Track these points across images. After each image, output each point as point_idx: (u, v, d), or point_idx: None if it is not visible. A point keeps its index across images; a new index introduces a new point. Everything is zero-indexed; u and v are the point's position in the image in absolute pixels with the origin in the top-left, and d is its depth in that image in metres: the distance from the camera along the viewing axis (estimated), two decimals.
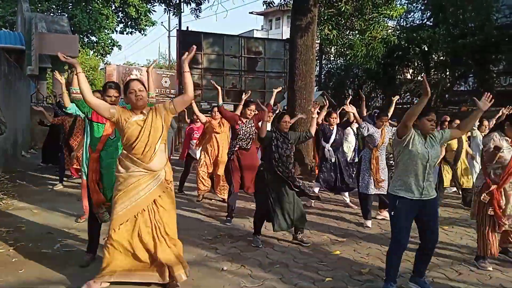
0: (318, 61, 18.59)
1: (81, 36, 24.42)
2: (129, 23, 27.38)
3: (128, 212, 3.26)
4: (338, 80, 19.74)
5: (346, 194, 6.92)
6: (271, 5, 12.82)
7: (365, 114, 6.42)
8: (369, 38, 12.35)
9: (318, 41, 13.67)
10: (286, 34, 24.01)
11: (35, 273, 3.74)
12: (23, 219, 5.52)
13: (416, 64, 18.04)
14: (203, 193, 7.02)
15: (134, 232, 3.28)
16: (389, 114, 6.28)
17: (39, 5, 23.09)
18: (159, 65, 42.68)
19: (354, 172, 6.54)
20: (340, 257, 4.45)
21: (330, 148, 6.63)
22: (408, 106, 17.71)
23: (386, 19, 12.92)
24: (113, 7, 26.06)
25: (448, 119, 7.25)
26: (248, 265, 4.12)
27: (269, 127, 6.28)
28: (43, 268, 3.86)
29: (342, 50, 15.81)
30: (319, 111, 6.43)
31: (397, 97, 6.81)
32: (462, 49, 14.63)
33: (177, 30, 19.86)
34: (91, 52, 30.79)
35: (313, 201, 6.74)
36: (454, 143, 6.70)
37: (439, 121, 6.92)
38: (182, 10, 15.85)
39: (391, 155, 8.59)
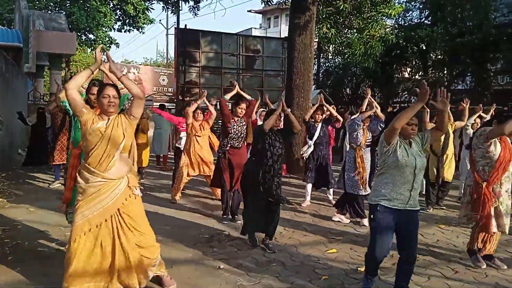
0: (316, 60, 18.60)
1: (78, 34, 24.36)
2: (127, 21, 27.31)
3: (88, 221, 3.11)
4: (336, 78, 19.75)
5: (331, 191, 6.93)
6: (269, 3, 12.82)
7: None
8: (367, 36, 12.37)
9: (316, 40, 13.67)
10: (285, 33, 24.00)
11: (31, 272, 3.73)
12: (19, 217, 5.52)
13: (414, 63, 18.05)
14: (178, 194, 6.91)
15: (97, 242, 3.14)
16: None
17: (37, 2, 23.02)
18: (157, 63, 42.63)
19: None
20: (337, 256, 4.45)
21: (312, 144, 6.61)
22: (406, 105, 17.75)
23: (384, 17, 12.93)
24: (111, 5, 25.99)
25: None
26: (244, 263, 4.12)
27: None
28: (40, 267, 3.86)
29: (340, 48, 15.82)
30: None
31: (369, 91, 6.63)
32: (460, 48, 14.65)
33: (175, 28, 19.83)
34: (89, 50, 30.70)
35: (306, 202, 6.76)
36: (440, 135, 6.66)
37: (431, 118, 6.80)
38: (180, 8, 15.85)
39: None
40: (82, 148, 3.27)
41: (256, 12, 41.49)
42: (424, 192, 6.84)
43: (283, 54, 19.28)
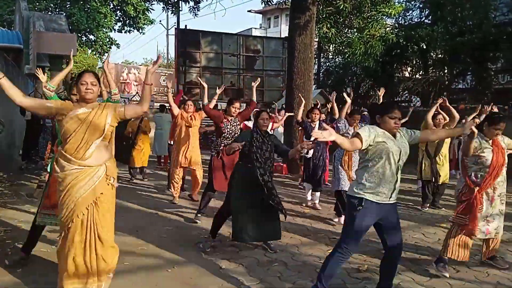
0: (316, 59, 18.58)
1: (79, 34, 24.37)
2: (127, 21, 27.31)
3: (72, 213, 3.05)
4: (336, 78, 19.74)
5: (317, 194, 6.71)
6: (269, 3, 12.82)
7: (344, 114, 6.38)
8: (368, 36, 12.38)
9: (317, 39, 13.67)
10: (285, 33, 24.01)
11: (33, 273, 3.74)
12: (21, 218, 5.52)
13: (414, 62, 18.03)
14: (177, 194, 6.87)
15: (75, 238, 3.06)
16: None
17: (37, 3, 23.04)
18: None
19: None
20: None
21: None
22: (406, 104, 17.74)
23: (384, 17, 12.94)
24: (111, 6, 25.99)
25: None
26: (246, 263, 4.13)
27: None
28: (41, 268, 3.86)
29: (341, 48, 15.81)
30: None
31: (351, 95, 6.60)
32: (461, 47, 14.63)
33: (175, 28, 19.84)
34: (89, 51, 30.72)
35: (308, 202, 6.73)
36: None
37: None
38: (180, 9, 15.85)
39: None
40: (60, 137, 3.18)
41: (256, 12, 41.48)
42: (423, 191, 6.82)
43: (283, 54, 19.30)
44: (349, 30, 13.62)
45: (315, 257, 4.36)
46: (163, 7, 14.90)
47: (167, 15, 38.33)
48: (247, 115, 5.99)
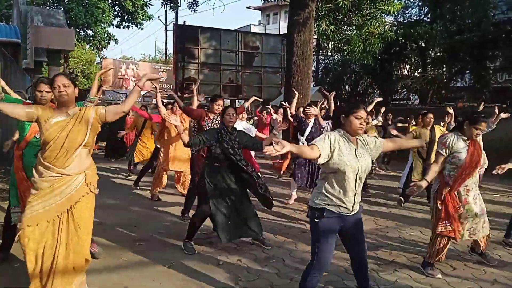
0: (315, 57, 18.58)
1: (77, 29, 24.28)
2: (125, 17, 27.20)
3: (40, 216, 2.96)
4: (335, 75, 19.74)
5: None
6: (268, 0, 12.78)
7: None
8: (367, 33, 12.37)
9: (316, 37, 13.67)
10: (284, 29, 23.98)
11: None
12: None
13: (413, 60, 18.06)
14: (156, 192, 6.80)
15: (41, 240, 2.97)
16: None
17: None
18: (156, 60, 42.54)
19: None
20: (335, 252, 4.43)
21: (305, 141, 6.31)
22: (404, 102, 17.78)
23: (383, 14, 12.93)
24: (110, 1, 25.88)
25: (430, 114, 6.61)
26: (244, 259, 4.14)
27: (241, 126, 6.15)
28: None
29: (340, 45, 15.79)
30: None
31: (380, 98, 6.61)
32: (459, 45, 14.65)
33: (174, 24, 19.79)
34: (87, 46, 30.60)
35: (291, 200, 6.64)
36: (426, 135, 6.35)
37: (423, 116, 6.58)
38: (179, 4, 15.82)
39: None
40: (40, 145, 3.09)
41: (255, 8, 41.37)
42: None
43: (282, 51, 19.28)
44: (348, 28, 13.60)
45: None
46: (162, 3, 14.89)
47: (166, 11, 38.17)
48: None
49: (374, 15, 11.89)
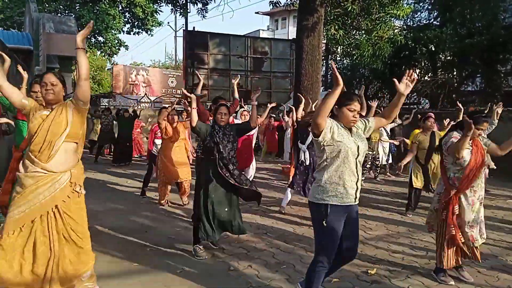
0: (324, 61, 18.57)
1: (88, 36, 24.38)
2: (136, 23, 27.48)
3: (25, 216, 2.89)
4: (344, 80, 19.66)
5: None
6: (277, 5, 12.83)
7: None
8: (376, 38, 12.32)
9: (325, 41, 13.66)
10: (292, 34, 24.00)
11: None
12: None
13: (423, 64, 17.95)
14: (164, 200, 6.71)
15: (29, 241, 2.91)
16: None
17: (47, 5, 23.27)
18: (165, 66, 42.82)
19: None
20: None
21: (306, 150, 6.15)
22: (415, 106, 17.66)
23: (392, 18, 12.88)
24: (120, 8, 26.18)
25: (433, 115, 6.52)
26: (255, 265, 4.13)
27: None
28: None
29: (349, 50, 15.74)
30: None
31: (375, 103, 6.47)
32: (469, 49, 14.54)
33: (183, 30, 19.94)
34: (98, 52, 30.94)
35: (282, 208, 6.40)
36: (425, 142, 6.24)
37: (422, 119, 6.51)
38: (188, 11, 15.90)
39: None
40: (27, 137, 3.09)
41: (264, 14, 41.54)
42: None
43: (291, 56, 19.33)
44: (357, 32, 13.57)
45: None
46: (172, 9, 14.97)
47: (175, 17, 38.55)
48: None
49: (384, 19, 11.85)
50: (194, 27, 18.77)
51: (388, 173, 10.35)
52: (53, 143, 2.93)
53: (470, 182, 3.75)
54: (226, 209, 4.35)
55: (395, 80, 2.94)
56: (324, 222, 2.84)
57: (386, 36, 12.71)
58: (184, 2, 14.86)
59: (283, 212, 6.28)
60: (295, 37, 11.51)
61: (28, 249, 2.91)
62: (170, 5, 14.89)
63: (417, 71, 18.51)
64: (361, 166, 2.95)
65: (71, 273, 3.00)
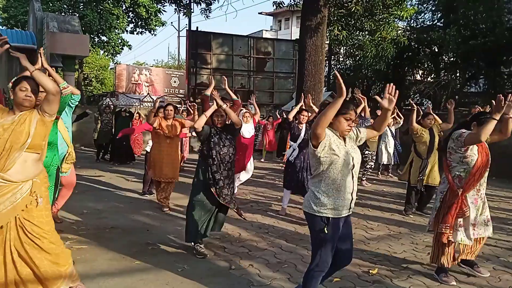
0: (327, 62, 18.58)
1: (91, 35, 24.62)
2: (139, 23, 27.54)
3: None
4: (347, 81, 19.65)
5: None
6: (281, 5, 12.84)
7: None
8: (379, 38, 12.34)
9: (328, 42, 13.66)
10: (295, 35, 24.02)
11: None
12: None
13: (426, 65, 17.92)
14: (164, 202, 6.38)
15: None
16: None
17: (51, 5, 23.32)
18: (168, 65, 42.88)
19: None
20: None
21: (297, 148, 6.10)
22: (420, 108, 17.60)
23: (396, 19, 12.88)
24: (124, 7, 26.23)
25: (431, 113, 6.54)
26: (256, 264, 4.14)
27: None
28: None
29: (352, 50, 15.78)
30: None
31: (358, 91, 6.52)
32: (473, 50, 14.52)
33: (187, 30, 19.96)
34: (101, 52, 31.02)
35: (283, 210, 6.31)
36: (426, 136, 6.24)
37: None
38: (192, 10, 15.94)
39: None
40: None
41: (267, 14, 41.54)
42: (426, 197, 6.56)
43: (294, 56, 19.34)
44: (361, 33, 13.59)
45: None
46: (175, 9, 15.04)
47: (179, 17, 38.52)
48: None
49: (387, 20, 11.85)
50: (197, 27, 18.76)
51: (390, 174, 10.33)
52: (11, 153, 2.81)
53: (476, 181, 3.76)
54: (210, 213, 4.49)
55: (377, 97, 2.95)
56: (325, 231, 2.85)
57: (390, 37, 12.72)
58: (187, 2, 14.91)
59: (284, 213, 6.23)
60: (298, 37, 11.54)
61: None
62: (173, 5, 14.95)
63: (420, 72, 18.49)
64: (356, 176, 2.95)
65: (51, 276, 2.96)
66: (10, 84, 3.06)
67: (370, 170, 9.48)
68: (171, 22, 37.05)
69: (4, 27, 24.72)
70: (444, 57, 17.18)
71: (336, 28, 11.60)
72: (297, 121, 6.28)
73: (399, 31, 15.22)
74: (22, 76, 3.04)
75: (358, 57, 15.06)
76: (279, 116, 13.35)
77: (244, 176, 7.37)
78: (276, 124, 13.26)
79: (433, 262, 3.94)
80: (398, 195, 7.92)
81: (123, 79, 26.14)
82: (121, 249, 4.45)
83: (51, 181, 3.87)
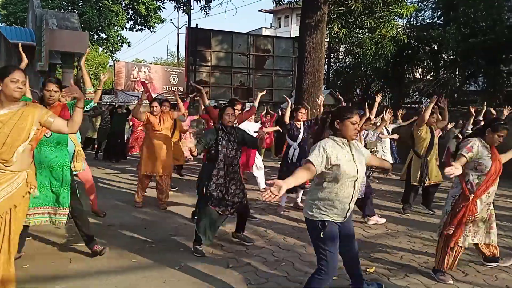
0: (326, 60, 18.56)
1: (90, 33, 24.59)
2: (138, 20, 27.52)
3: None
4: (346, 78, 19.68)
5: (300, 193, 6.49)
6: (280, 3, 12.83)
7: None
8: (379, 36, 12.34)
9: (327, 39, 13.64)
10: (295, 32, 23.96)
11: (40, 269, 3.78)
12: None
13: (425, 63, 17.91)
14: (141, 201, 6.35)
15: None
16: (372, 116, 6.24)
17: (50, 1, 23.29)
18: (167, 63, 42.82)
19: None
20: None
21: (297, 147, 6.12)
22: (416, 106, 17.64)
23: (396, 17, 12.87)
24: (123, 4, 26.20)
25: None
26: (253, 262, 4.14)
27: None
28: (49, 263, 3.90)
29: (351, 48, 15.74)
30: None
31: (380, 96, 6.56)
32: (473, 49, 14.50)
33: (186, 27, 19.93)
34: (101, 49, 30.96)
35: (281, 208, 6.30)
36: (428, 134, 6.23)
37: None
38: (191, 8, 15.91)
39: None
40: None
41: (267, 11, 41.51)
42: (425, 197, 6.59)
43: (293, 54, 19.30)
44: (360, 30, 13.58)
45: None
46: (175, 6, 15.05)
47: (178, 14, 38.45)
48: (245, 118, 5.92)
49: (387, 18, 11.85)
50: (196, 24, 18.70)
51: (390, 173, 10.32)
52: (14, 148, 2.82)
53: (488, 188, 3.80)
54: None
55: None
56: (321, 235, 2.89)
57: (389, 35, 12.72)
58: None
59: (282, 212, 6.21)
60: (298, 35, 11.52)
61: None
62: (173, 2, 14.93)
63: (420, 70, 18.48)
64: (358, 186, 2.97)
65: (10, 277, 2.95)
66: None
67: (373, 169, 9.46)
68: (171, 19, 37.21)
69: (3, 24, 24.67)
70: (443, 55, 17.17)
71: (336, 26, 11.60)
72: (294, 120, 6.24)
73: (399, 29, 15.20)
74: (11, 66, 3.00)
75: (357, 55, 15.04)
76: (273, 113, 13.33)
77: (258, 173, 7.47)
78: (272, 120, 13.23)
79: (438, 267, 3.88)
80: (396, 193, 7.92)
81: (122, 77, 26.13)
82: (119, 246, 4.45)
83: (66, 181, 3.85)
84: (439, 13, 17.11)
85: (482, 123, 5.87)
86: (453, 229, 3.77)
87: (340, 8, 11.59)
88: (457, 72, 17.18)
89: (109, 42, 27.40)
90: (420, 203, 6.62)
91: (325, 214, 2.91)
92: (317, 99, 6.34)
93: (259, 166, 7.58)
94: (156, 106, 6.11)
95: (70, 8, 24.82)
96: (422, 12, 17.62)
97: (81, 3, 24.92)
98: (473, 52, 14.77)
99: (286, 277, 3.81)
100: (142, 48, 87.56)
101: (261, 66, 19.85)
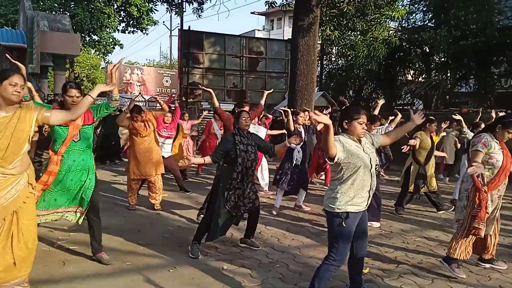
0: (319, 62, 18.63)
1: (82, 34, 24.46)
2: (130, 22, 27.43)
3: None
4: (339, 81, 19.77)
5: (303, 195, 6.52)
6: (273, 5, 12.85)
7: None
8: (371, 39, 12.40)
9: (320, 42, 13.70)
10: (288, 35, 24.03)
11: (33, 272, 3.72)
12: None
13: (417, 66, 18.05)
14: (134, 203, 6.36)
15: None
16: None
17: (41, 3, 23.16)
18: (160, 65, 42.70)
19: None
20: None
21: (300, 150, 6.17)
22: (408, 107, 17.74)
23: (388, 20, 12.97)
24: (115, 6, 26.11)
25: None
26: (248, 264, 4.13)
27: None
28: (41, 266, 3.86)
29: (344, 50, 15.81)
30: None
31: (382, 101, 6.66)
32: (464, 51, 14.64)
33: (179, 29, 19.90)
34: (93, 51, 30.81)
35: (276, 210, 6.30)
36: (427, 142, 6.29)
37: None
38: (184, 10, 15.89)
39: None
40: None
41: (260, 14, 41.56)
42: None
43: (286, 56, 19.36)
44: (353, 33, 13.66)
45: (316, 259, 4.35)
46: (167, 8, 15.01)
47: (171, 16, 38.39)
48: (253, 117, 5.90)
49: (379, 20, 11.93)
50: (189, 26, 18.72)
51: (382, 174, 10.36)
52: (18, 150, 2.85)
53: (499, 182, 3.93)
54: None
55: (411, 111, 3.31)
56: (343, 225, 3.05)
57: (381, 37, 12.80)
58: (179, 1, 14.86)
59: (276, 213, 6.22)
60: (290, 37, 11.55)
61: None
62: (165, 4, 14.91)
63: (411, 72, 18.62)
64: (375, 176, 3.17)
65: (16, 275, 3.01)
66: None
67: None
68: (163, 21, 37.14)
69: None
70: (435, 57, 17.32)
71: (328, 28, 11.65)
72: (295, 123, 6.28)
73: (391, 31, 15.30)
74: (11, 70, 3.00)
75: (350, 57, 15.12)
76: (269, 116, 13.36)
77: (261, 174, 7.59)
78: (268, 123, 13.25)
79: (450, 254, 3.97)
80: (390, 194, 7.96)
81: (114, 79, 25.98)
82: (112, 249, 4.42)
83: (91, 184, 3.92)
84: (430, 15, 17.27)
85: (483, 125, 5.92)
86: (483, 222, 3.84)
87: (332, 11, 11.65)
88: (448, 74, 17.34)
89: (101, 44, 27.29)
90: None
91: (349, 205, 3.06)
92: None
93: (264, 167, 7.59)
94: (136, 116, 6.03)
95: (61, 10, 24.69)
96: (414, 14, 17.78)
97: (72, 5, 24.79)
98: (464, 54, 14.91)
99: (281, 279, 3.81)
100: (135, 50, 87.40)
101: (254, 68, 19.88)
